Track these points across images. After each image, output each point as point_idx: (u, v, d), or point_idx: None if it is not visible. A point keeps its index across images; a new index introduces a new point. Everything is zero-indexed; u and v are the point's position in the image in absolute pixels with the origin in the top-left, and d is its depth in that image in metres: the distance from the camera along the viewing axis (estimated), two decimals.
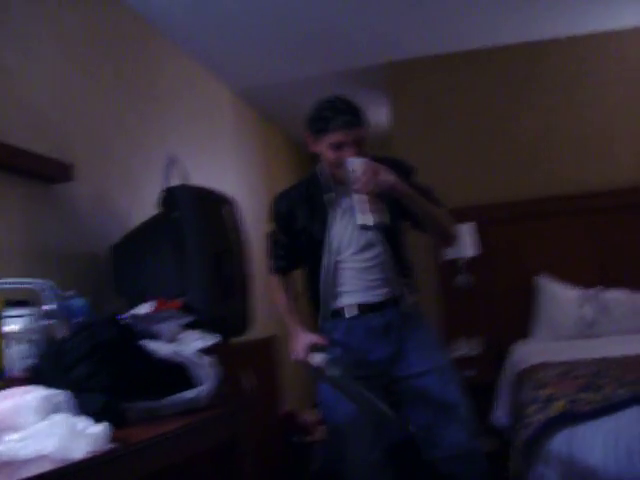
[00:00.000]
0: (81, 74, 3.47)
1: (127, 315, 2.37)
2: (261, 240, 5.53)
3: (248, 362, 3.22)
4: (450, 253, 4.88)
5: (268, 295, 3.02)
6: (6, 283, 2.15)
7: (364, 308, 2.75)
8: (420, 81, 5.59)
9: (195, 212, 2.99)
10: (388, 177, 2.48)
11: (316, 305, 2.84)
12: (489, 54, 5.47)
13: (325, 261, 2.73)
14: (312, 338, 2.70)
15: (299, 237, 2.80)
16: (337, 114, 2.57)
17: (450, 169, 5.36)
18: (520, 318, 4.99)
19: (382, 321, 2.74)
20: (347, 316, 2.76)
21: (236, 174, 5.62)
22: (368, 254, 2.74)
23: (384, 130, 6.01)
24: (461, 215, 4.72)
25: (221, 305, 3.05)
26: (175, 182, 3.66)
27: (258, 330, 3.68)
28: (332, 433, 2.77)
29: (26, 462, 1.27)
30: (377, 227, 2.51)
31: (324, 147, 2.62)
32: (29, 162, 2.84)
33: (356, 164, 2.48)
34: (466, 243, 4.92)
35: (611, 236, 5.07)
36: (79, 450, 1.27)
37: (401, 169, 2.71)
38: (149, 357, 1.67)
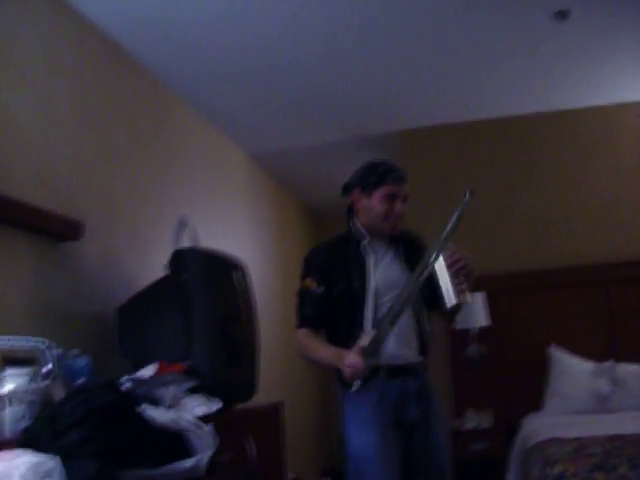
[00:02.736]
0: (95, 133, 3.50)
1: (129, 378, 2.33)
2: (270, 305, 5.54)
3: (253, 429, 3.15)
4: (461, 323, 4.81)
5: (298, 351, 2.85)
6: (4, 341, 2.11)
7: (399, 370, 2.71)
8: (432, 150, 5.61)
9: (203, 276, 2.97)
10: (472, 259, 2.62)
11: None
12: (501, 125, 5.50)
13: (368, 308, 2.69)
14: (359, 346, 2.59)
15: (335, 288, 2.73)
16: (392, 170, 2.80)
17: (461, 237, 5.31)
18: (532, 390, 4.90)
19: (415, 385, 2.73)
20: (382, 376, 2.69)
21: (248, 238, 5.62)
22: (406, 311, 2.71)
23: None
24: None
25: (226, 370, 2.99)
26: (185, 244, 3.66)
27: (264, 396, 3.62)
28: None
29: None
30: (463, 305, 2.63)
31: (376, 199, 2.77)
32: (38, 219, 2.84)
33: (449, 247, 2.63)
34: (477, 313, 4.86)
35: (622, 308, 5.02)
36: None
37: (418, 244, 2.87)
38: (147, 424, 1.62)
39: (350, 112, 5.17)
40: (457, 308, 2.63)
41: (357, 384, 2.62)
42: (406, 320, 2.72)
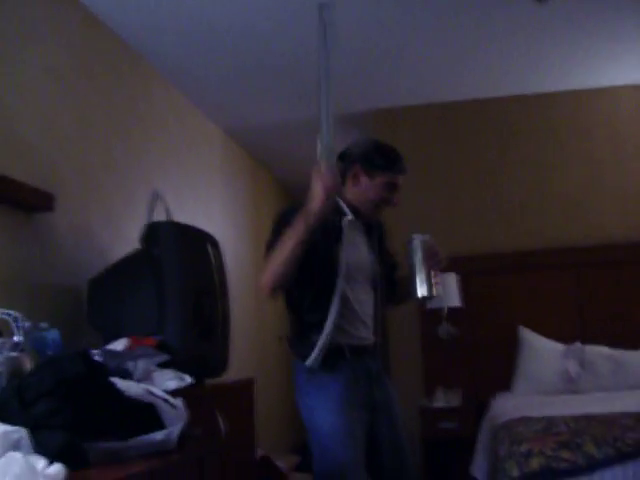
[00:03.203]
0: (69, 104, 3.45)
1: (99, 351, 2.32)
2: (243, 281, 5.54)
3: (224, 404, 3.15)
4: (433, 302, 4.83)
5: (270, 280, 2.50)
6: None
7: (361, 350, 2.65)
8: (408, 129, 5.59)
9: (177, 250, 2.96)
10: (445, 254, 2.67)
11: (307, 340, 2.58)
12: (480, 106, 5.51)
13: (340, 285, 2.57)
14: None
15: (310, 253, 2.48)
16: (400, 159, 2.73)
17: (435, 218, 5.35)
18: (501, 371, 4.93)
19: (376, 366, 2.72)
20: (348, 356, 2.61)
21: (222, 213, 5.60)
22: (369, 289, 2.72)
23: None
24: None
25: (199, 345, 2.99)
26: (159, 218, 3.63)
27: (236, 372, 3.62)
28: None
29: None
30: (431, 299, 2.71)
31: (377, 183, 2.69)
32: (10, 189, 2.80)
33: (427, 241, 2.65)
34: (449, 293, 4.88)
35: (592, 291, 5.09)
36: None
37: (383, 229, 2.90)
38: (117, 395, 1.61)
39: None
40: (427, 299, 2.71)
41: (312, 359, 2.54)
42: (365, 302, 2.69)
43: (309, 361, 2.55)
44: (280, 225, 2.55)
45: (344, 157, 2.75)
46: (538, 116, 5.47)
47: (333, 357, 2.57)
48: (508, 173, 5.43)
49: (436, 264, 2.63)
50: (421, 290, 2.62)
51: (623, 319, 4.96)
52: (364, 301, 2.68)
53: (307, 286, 2.58)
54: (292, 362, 2.68)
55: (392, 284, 2.84)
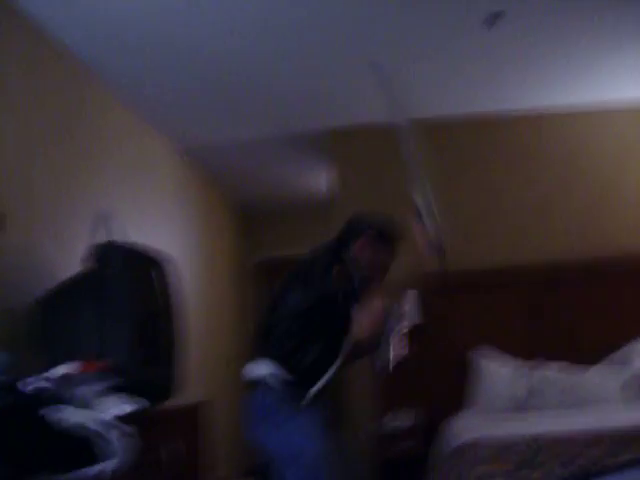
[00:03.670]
0: (15, 122, 3.36)
1: (39, 377, 2.23)
2: (195, 302, 5.45)
3: (172, 429, 3.08)
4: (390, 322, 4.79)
5: None
6: None
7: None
8: (365, 149, 5.59)
9: (124, 271, 2.90)
10: None
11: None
12: (430, 127, 5.51)
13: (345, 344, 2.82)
14: None
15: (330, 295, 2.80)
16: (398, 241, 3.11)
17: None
18: (455, 391, 4.92)
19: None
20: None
21: (173, 232, 5.52)
22: None
23: (325, 195, 6.01)
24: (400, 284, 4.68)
25: (146, 369, 2.92)
26: (106, 238, 3.55)
27: (190, 394, 3.56)
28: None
29: None
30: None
31: (374, 251, 3.01)
32: None
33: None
34: (410, 310, 4.85)
35: (544, 311, 5.11)
36: None
37: None
38: (50, 428, 1.54)
39: (279, 108, 5.12)
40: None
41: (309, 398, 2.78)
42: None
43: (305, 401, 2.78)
44: (314, 272, 2.85)
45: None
46: (490, 138, 5.51)
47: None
48: (462, 193, 5.44)
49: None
50: (384, 361, 2.90)
51: (573, 338, 4.99)
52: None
53: (315, 343, 2.81)
54: (258, 393, 2.82)
55: None
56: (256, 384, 2.83)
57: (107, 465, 1.53)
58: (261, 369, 2.83)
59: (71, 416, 1.64)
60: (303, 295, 2.80)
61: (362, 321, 2.74)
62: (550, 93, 5.15)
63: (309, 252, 3.00)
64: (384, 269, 3.04)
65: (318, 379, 2.81)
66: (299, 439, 2.74)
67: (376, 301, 2.73)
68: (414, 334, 4.94)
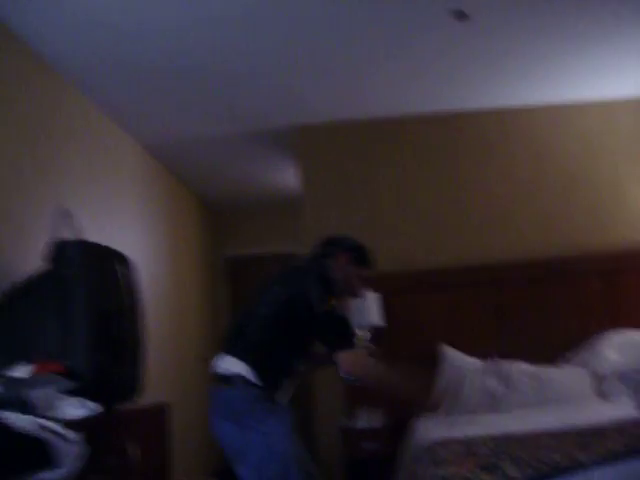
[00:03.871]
0: None
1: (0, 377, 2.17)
2: (160, 302, 5.38)
3: (136, 430, 3.02)
4: (354, 322, 4.76)
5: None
6: None
7: None
8: (329, 146, 5.56)
9: (84, 270, 2.83)
10: None
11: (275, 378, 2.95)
12: (398, 124, 5.51)
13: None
14: None
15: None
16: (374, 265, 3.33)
17: (355, 235, 5.29)
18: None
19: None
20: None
21: (138, 230, 5.44)
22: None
23: (292, 192, 5.97)
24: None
25: (107, 369, 2.85)
26: (68, 236, 3.48)
27: (152, 395, 3.49)
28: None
29: None
30: None
31: (356, 274, 3.26)
32: None
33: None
34: (371, 313, 4.84)
35: (513, 308, 5.12)
36: None
37: None
38: (5, 430, 1.48)
39: (246, 104, 5.07)
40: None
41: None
42: None
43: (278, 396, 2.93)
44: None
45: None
46: (460, 134, 5.51)
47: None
48: (427, 191, 5.43)
49: None
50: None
51: (542, 335, 5.02)
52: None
53: (285, 349, 3.00)
54: (236, 389, 2.86)
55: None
56: (225, 380, 2.87)
57: (62, 471, 1.47)
58: (230, 366, 2.87)
59: (23, 420, 1.58)
60: (287, 309, 2.99)
61: (344, 365, 2.98)
62: (515, 90, 5.15)
63: (290, 263, 3.41)
64: (361, 284, 3.31)
65: (283, 384, 2.95)
66: (270, 439, 2.81)
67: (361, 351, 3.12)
68: (378, 337, 4.96)
